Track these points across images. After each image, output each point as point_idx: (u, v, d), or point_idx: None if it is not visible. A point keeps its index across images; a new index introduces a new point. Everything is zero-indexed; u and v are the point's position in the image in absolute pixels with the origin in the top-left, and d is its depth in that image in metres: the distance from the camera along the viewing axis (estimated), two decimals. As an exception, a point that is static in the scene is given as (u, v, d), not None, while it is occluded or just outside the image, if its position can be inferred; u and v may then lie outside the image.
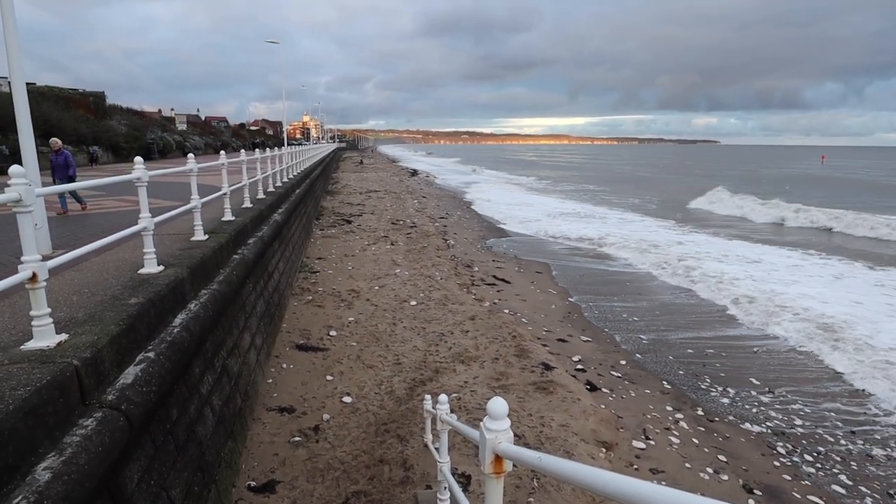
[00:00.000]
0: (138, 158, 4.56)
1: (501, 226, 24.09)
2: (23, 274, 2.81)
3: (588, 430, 6.41)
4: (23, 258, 2.85)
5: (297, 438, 5.89)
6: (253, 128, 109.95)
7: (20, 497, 2.08)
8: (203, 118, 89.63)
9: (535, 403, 6.92)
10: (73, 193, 10.19)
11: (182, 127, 56.51)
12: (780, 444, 6.55)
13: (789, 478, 5.89)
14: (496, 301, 11.82)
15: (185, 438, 4.07)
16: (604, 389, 7.86)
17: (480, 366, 8.00)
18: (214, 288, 5.20)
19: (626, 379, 8.33)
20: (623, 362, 8.95)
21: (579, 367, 8.61)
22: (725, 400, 7.69)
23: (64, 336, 3.06)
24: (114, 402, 2.90)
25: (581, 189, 46.86)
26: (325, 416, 6.40)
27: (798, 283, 14.08)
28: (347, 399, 6.87)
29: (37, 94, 29.35)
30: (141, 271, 4.65)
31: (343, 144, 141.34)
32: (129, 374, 3.22)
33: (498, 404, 1.76)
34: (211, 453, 4.49)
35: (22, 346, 2.92)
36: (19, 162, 5.29)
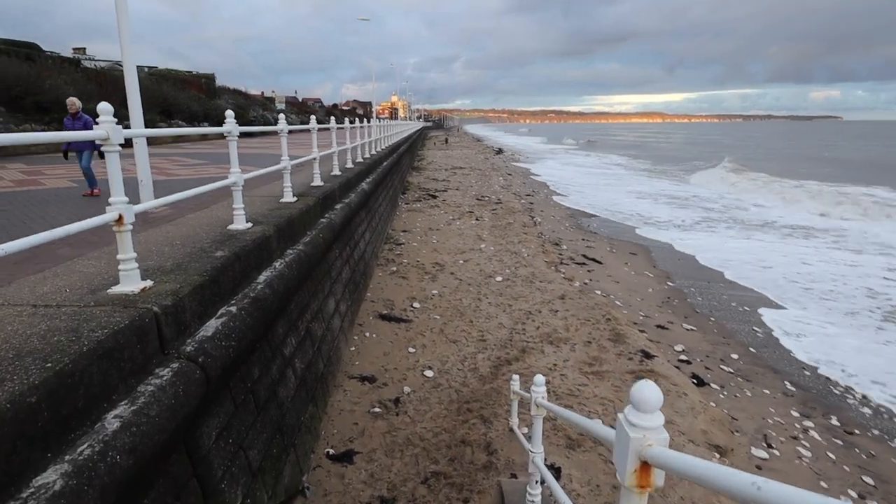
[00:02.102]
0: (229, 112, 4.45)
1: (589, 205, 22.95)
2: (109, 215, 2.70)
3: (697, 429, 5.72)
4: (110, 199, 2.74)
5: (377, 409, 5.73)
6: (344, 108, 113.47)
7: (85, 445, 1.92)
8: (300, 99, 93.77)
9: (632, 394, 6.30)
10: (87, 173, 8.01)
11: (281, 106, 59.20)
12: (948, 470, 5.40)
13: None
14: (587, 281, 11.13)
15: (266, 399, 3.95)
16: (713, 385, 7.02)
17: (571, 348, 7.47)
18: (300, 248, 5.08)
19: (740, 375, 7.41)
20: (735, 356, 8.00)
21: (683, 357, 7.80)
22: (867, 410, 6.58)
23: (149, 282, 2.96)
24: (192, 353, 2.75)
25: (677, 168, 43.79)
26: (406, 389, 6.20)
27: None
28: (429, 373, 6.62)
29: (158, 76, 31.86)
30: (230, 227, 4.58)
31: (429, 124, 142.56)
32: (210, 326, 3.08)
33: (649, 390, 1.29)
34: (291, 416, 4.38)
35: (108, 290, 2.84)
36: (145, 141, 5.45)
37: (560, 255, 13.32)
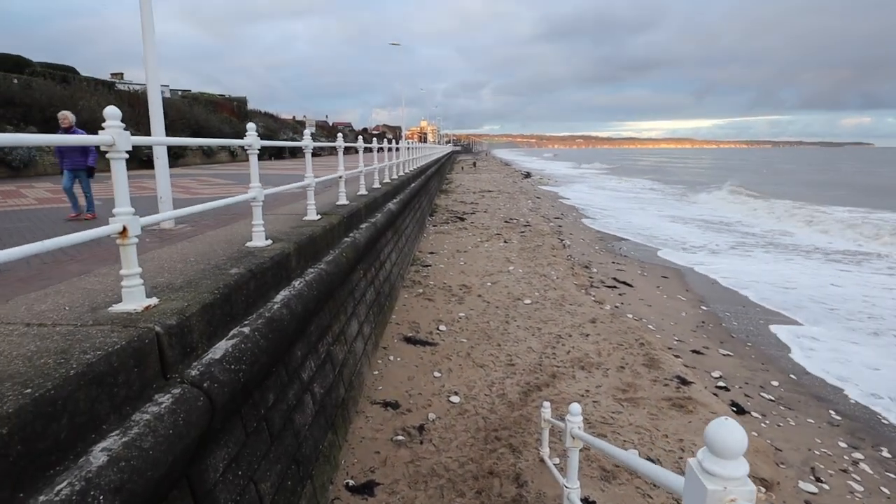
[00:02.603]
0: (250, 125, 4.32)
1: (619, 228, 22.42)
2: (113, 227, 2.53)
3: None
4: (114, 210, 2.57)
5: (400, 437, 5.43)
6: (374, 132, 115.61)
7: (65, 483, 1.70)
8: (331, 123, 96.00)
9: (671, 423, 5.87)
10: (87, 194, 7.50)
11: (311, 130, 60.46)
12: None
13: None
14: (618, 305, 10.69)
15: (282, 427, 3.71)
16: (754, 413, 6.59)
17: (604, 374, 7.06)
18: (322, 267, 4.88)
19: (781, 403, 6.94)
20: (775, 383, 7.52)
21: (721, 384, 7.35)
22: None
23: (154, 300, 2.77)
24: (196, 378, 2.53)
25: (713, 195, 42.76)
26: (431, 416, 5.89)
27: None
28: (455, 399, 6.30)
29: (191, 99, 32.94)
30: (248, 244, 4.41)
31: (458, 148, 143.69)
32: (220, 348, 2.86)
33: (730, 431, 0.99)
34: (309, 445, 4.12)
35: (109, 308, 2.66)
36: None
37: (590, 278, 12.90)
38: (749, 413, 6.57)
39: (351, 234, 6.67)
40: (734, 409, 6.58)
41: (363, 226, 7.40)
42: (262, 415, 3.43)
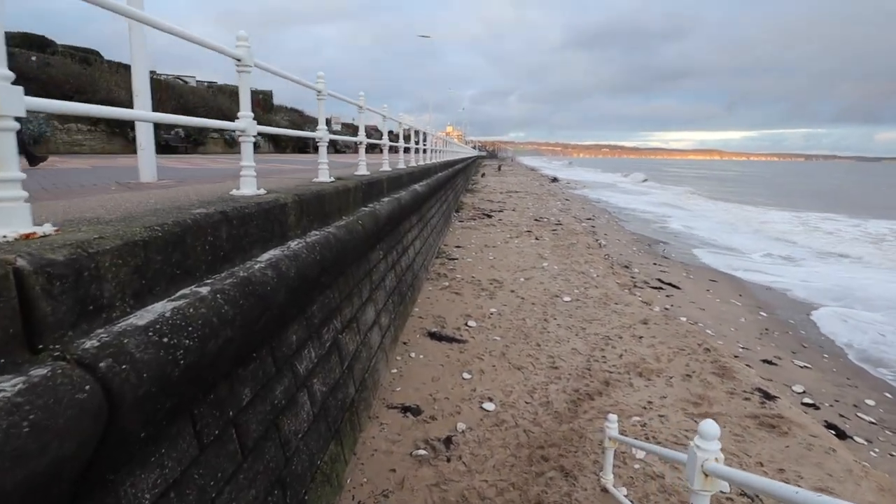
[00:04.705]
0: (241, 32, 3.26)
1: (655, 231, 21.06)
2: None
3: (864, 502, 4.05)
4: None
5: (422, 451, 4.34)
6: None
7: None
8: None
9: (762, 446, 4.67)
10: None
11: (337, 128, 60.17)
12: None
13: None
14: (668, 306, 9.45)
15: (261, 435, 2.65)
16: (857, 439, 5.41)
17: (667, 382, 5.87)
18: (330, 231, 3.83)
19: (885, 426, 5.77)
20: (871, 402, 6.30)
21: (807, 400, 6.15)
22: None
23: (48, 228, 1.75)
24: (90, 353, 1.48)
25: (755, 200, 40.82)
26: (461, 426, 4.79)
27: None
28: (489, 406, 5.19)
29: (216, 91, 32.54)
30: (233, 192, 3.40)
31: (483, 153, 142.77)
32: (151, 311, 1.82)
33: None
34: (301, 460, 3.06)
35: (-33, 236, 1.64)
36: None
37: (632, 278, 11.68)
38: (851, 438, 5.36)
39: (370, 205, 5.63)
40: (832, 431, 5.36)
41: (385, 199, 6.36)
42: (229, 418, 2.39)
